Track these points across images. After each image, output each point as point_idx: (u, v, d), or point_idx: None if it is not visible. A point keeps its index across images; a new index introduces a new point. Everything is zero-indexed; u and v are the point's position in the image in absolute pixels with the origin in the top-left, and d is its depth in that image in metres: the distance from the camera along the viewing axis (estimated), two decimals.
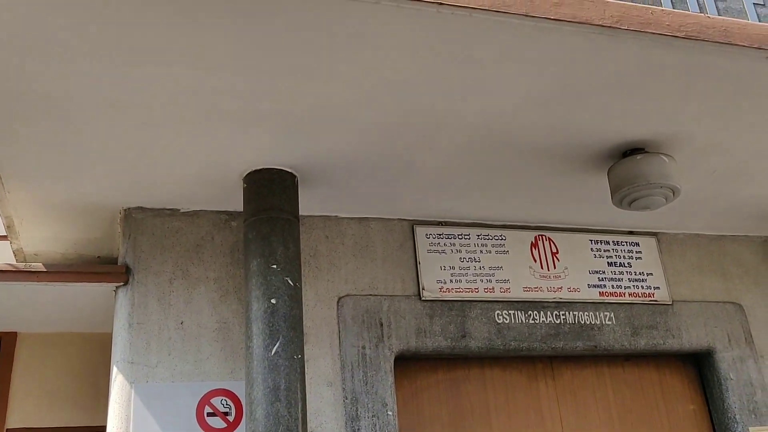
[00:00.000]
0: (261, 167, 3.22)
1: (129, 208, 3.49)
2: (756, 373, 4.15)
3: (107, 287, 3.39)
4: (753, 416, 4.02)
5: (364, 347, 3.51)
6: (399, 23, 2.41)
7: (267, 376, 2.87)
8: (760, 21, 2.99)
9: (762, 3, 3.04)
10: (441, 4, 2.34)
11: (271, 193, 3.19)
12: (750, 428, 3.97)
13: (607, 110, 3.03)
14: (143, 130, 2.84)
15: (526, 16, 2.42)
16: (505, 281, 3.88)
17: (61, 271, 3.38)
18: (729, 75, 2.85)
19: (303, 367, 2.98)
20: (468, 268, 3.85)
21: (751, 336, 4.25)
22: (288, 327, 2.98)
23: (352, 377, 3.43)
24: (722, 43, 2.66)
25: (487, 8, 2.38)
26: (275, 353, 2.91)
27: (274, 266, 3.05)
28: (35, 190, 3.26)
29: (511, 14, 2.41)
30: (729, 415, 4.01)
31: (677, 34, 2.60)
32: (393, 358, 3.54)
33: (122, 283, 3.34)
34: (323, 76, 2.63)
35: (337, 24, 2.37)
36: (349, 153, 3.18)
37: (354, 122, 2.93)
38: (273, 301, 2.99)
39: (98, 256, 3.91)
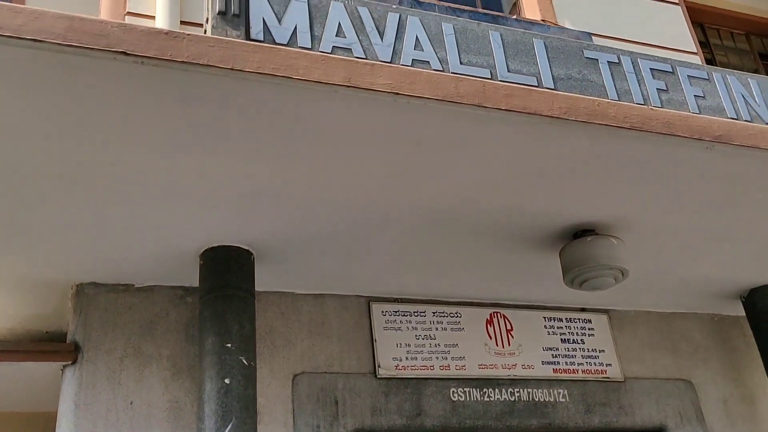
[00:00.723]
0: (218, 244, 3.23)
1: (81, 284, 3.44)
2: None
3: (54, 366, 3.31)
4: None
5: (318, 426, 3.46)
6: (356, 110, 2.49)
7: None
8: (700, 112, 3.14)
9: (702, 95, 3.20)
10: (397, 94, 2.43)
11: (227, 270, 3.19)
12: None
13: (559, 194, 3.13)
14: (99, 207, 2.84)
15: (479, 106, 2.52)
16: (461, 358, 3.90)
17: (5, 350, 3.29)
18: (673, 162, 2.98)
19: None
20: (424, 345, 3.86)
21: (702, 413, 4.30)
22: (241, 408, 2.93)
23: None
24: (665, 134, 2.79)
25: (441, 98, 2.48)
26: None
27: (229, 345, 3.03)
28: None
29: (464, 104, 2.51)
30: None
31: (623, 125, 2.72)
32: None
33: (70, 362, 3.26)
34: (280, 158, 2.68)
35: (295, 109, 2.44)
36: (306, 231, 3.21)
37: (311, 202, 2.98)
38: (227, 380, 2.96)
39: (47, 332, 3.81)
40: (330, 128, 2.57)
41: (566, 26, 5.11)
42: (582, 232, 3.40)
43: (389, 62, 2.63)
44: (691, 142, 2.84)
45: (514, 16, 5.16)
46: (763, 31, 8.01)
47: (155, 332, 3.43)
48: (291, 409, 3.47)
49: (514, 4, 5.37)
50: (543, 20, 5.08)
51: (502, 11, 5.43)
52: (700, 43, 7.44)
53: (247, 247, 3.27)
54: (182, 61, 2.15)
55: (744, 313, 4.43)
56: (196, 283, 3.35)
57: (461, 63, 2.75)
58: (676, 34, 5.63)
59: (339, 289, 3.83)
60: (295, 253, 3.40)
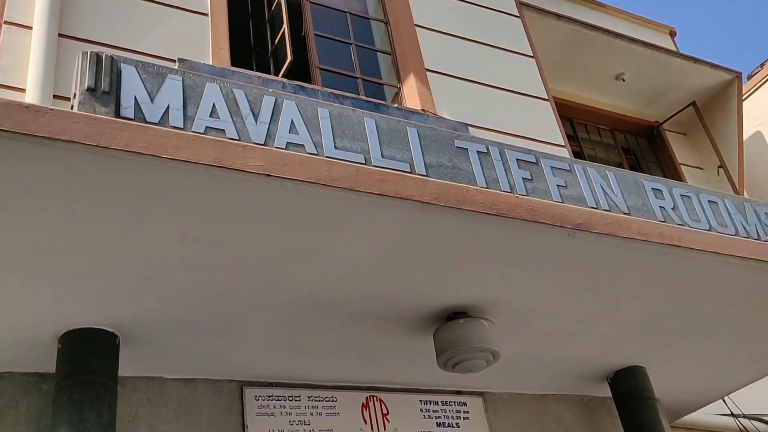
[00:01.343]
0: (79, 327, 3.06)
1: None
2: None
3: None
4: None
5: None
6: (228, 191, 2.47)
7: None
8: (562, 201, 3.32)
9: (564, 185, 3.39)
10: (269, 175, 2.43)
11: (88, 354, 3.02)
12: None
13: (431, 277, 3.19)
14: None
15: (352, 190, 2.56)
16: None
17: None
18: (538, 248, 3.12)
19: None
20: (297, 431, 3.75)
21: None
22: None
23: None
24: (529, 220, 2.92)
25: (314, 181, 2.50)
26: None
27: None
28: None
29: (337, 188, 2.54)
30: None
31: (489, 212, 2.83)
32: None
33: None
34: (149, 238, 2.60)
35: (165, 188, 2.39)
36: (176, 313, 3.10)
37: (182, 284, 2.90)
38: None
39: None
40: (202, 209, 2.54)
41: (444, 116, 5.33)
42: (455, 315, 3.46)
43: (263, 144, 2.65)
44: (554, 229, 2.98)
45: (396, 105, 5.34)
46: (626, 128, 8.67)
47: (3, 423, 3.16)
48: None
49: (396, 94, 5.57)
50: (423, 110, 5.28)
51: (384, 99, 5.62)
52: (570, 136, 7.96)
53: (111, 330, 3.11)
54: (43, 136, 2.08)
55: (610, 394, 4.59)
56: (52, 369, 3.13)
57: (336, 147, 2.81)
58: (546, 127, 5.97)
59: (211, 373, 3.69)
60: (165, 336, 3.27)
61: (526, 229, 2.96)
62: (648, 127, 8.71)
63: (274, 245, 2.79)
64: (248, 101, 2.70)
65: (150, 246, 2.66)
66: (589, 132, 8.37)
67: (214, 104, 2.60)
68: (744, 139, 8.50)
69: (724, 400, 5.99)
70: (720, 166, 8.17)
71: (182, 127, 2.49)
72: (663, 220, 3.55)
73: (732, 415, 6.17)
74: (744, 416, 6.27)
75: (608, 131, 8.54)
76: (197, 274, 2.89)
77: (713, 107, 8.58)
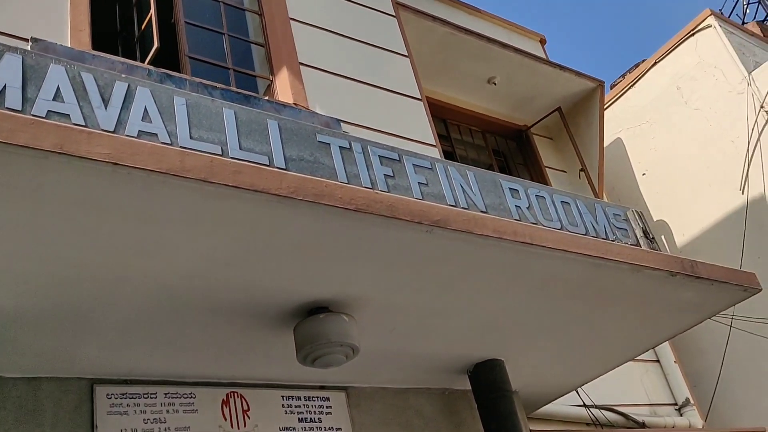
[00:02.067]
0: None
1: None
2: None
3: None
4: None
5: None
6: (73, 179, 2.36)
7: None
8: (423, 198, 3.39)
9: (426, 183, 3.46)
10: (117, 164, 2.34)
11: None
12: None
13: (291, 272, 3.17)
14: None
15: (205, 181, 2.50)
16: None
17: None
18: (398, 244, 3.16)
19: None
20: (152, 430, 3.63)
21: None
22: None
23: None
24: (388, 216, 2.96)
25: (164, 171, 2.43)
26: None
27: None
28: None
29: (189, 179, 2.48)
30: None
31: (348, 207, 2.85)
32: None
33: None
34: None
35: (3, 174, 2.25)
36: (16, 307, 2.92)
37: (20, 275, 2.73)
38: None
39: None
40: (45, 197, 2.41)
41: (317, 111, 5.32)
42: (317, 309, 3.46)
43: (112, 132, 2.54)
44: (413, 225, 3.04)
45: (267, 98, 5.28)
46: (496, 130, 8.98)
47: None
48: None
49: (269, 86, 5.51)
50: (295, 104, 5.25)
51: (257, 92, 5.54)
52: (443, 137, 8.15)
53: None
54: None
55: (470, 387, 4.73)
56: None
57: (191, 137, 2.73)
58: (419, 126, 6.08)
59: (58, 371, 3.50)
60: (3, 330, 3.07)
61: (385, 226, 2.99)
62: (517, 130, 9.05)
63: (125, 237, 2.69)
64: (98, 86, 2.58)
65: None
66: (462, 133, 8.61)
67: (58, 87, 2.47)
68: (605, 145, 9.00)
69: (577, 392, 6.33)
70: (582, 170, 8.61)
71: (20, 109, 2.35)
72: (518, 218, 3.70)
73: (585, 405, 6.53)
74: (596, 407, 6.65)
75: (480, 133, 8.81)
76: (43, 265, 2.74)
77: (577, 113, 9.04)
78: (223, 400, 3.96)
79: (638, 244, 4.11)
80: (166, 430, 3.68)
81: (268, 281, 3.19)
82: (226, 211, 2.69)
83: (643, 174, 9.97)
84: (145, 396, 3.72)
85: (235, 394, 4.02)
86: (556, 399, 5.71)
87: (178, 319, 3.33)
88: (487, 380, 4.59)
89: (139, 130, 2.62)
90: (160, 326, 3.36)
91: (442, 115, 8.23)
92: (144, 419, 3.65)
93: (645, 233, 4.14)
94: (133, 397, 3.68)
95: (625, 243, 4.01)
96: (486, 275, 3.60)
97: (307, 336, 3.38)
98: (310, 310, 3.48)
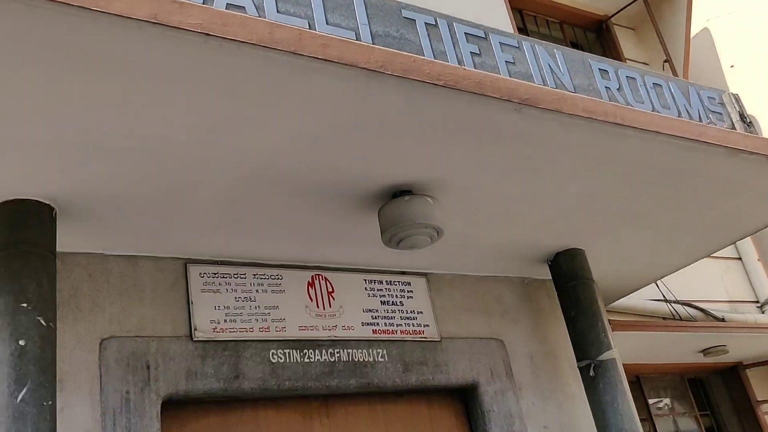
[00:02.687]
0: (13, 198, 2.96)
1: None
2: (515, 405, 4.45)
3: None
4: None
5: (128, 392, 3.29)
6: (164, 51, 2.37)
7: (11, 426, 2.60)
8: (510, 77, 3.29)
9: (513, 62, 3.36)
10: (208, 35, 2.33)
11: (24, 226, 2.94)
12: None
13: (376, 152, 3.16)
14: None
15: (295, 53, 2.48)
16: (281, 320, 3.86)
17: None
18: (485, 123, 3.10)
19: (54, 414, 2.73)
20: (243, 307, 3.78)
21: (512, 370, 4.56)
22: (38, 371, 2.73)
23: (114, 425, 3.20)
24: (477, 93, 2.89)
25: (255, 42, 2.41)
26: (22, 400, 2.64)
27: (25, 305, 2.80)
28: None
29: (279, 50, 2.45)
30: None
31: (436, 83, 2.79)
32: (160, 403, 3.36)
33: None
34: (83, 101, 2.49)
35: (97, 44, 2.27)
36: (116, 186, 3.02)
37: (118, 153, 2.80)
38: (21, 342, 2.73)
39: None
40: (137, 69, 2.43)
41: None
42: (400, 192, 3.47)
43: (202, 3, 2.52)
44: (501, 103, 2.96)
45: None
46: (575, 21, 8.60)
47: None
48: (98, 375, 3.28)
49: None
50: None
51: None
52: (519, 29, 7.86)
53: (47, 202, 3.03)
54: None
55: (549, 277, 4.74)
56: None
57: (278, 11, 2.70)
58: (496, 16, 5.89)
59: (154, 250, 3.66)
60: (105, 210, 3.20)
61: (472, 103, 2.93)
62: (597, 20, 8.65)
63: (215, 112, 2.71)
64: None
65: (85, 111, 2.55)
66: (539, 24, 8.28)
67: None
68: (691, 36, 8.53)
69: (657, 285, 6.27)
70: (666, 61, 8.22)
71: None
72: (608, 100, 3.57)
73: (664, 300, 6.47)
74: (675, 301, 6.58)
75: (557, 24, 8.46)
76: (136, 144, 2.80)
77: (662, 2, 8.55)
78: (308, 282, 4.08)
79: (734, 128, 3.93)
80: (256, 308, 3.83)
81: (353, 163, 3.20)
82: (313, 86, 2.67)
83: (731, 66, 9.46)
84: (235, 276, 3.86)
85: (320, 277, 4.13)
86: (634, 291, 5.68)
87: (264, 202, 3.39)
88: (568, 269, 4.58)
89: (227, 3, 2.59)
90: (249, 209, 3.43)
91: (519, 5, 7.91)
92: (235, 297, 3.80)
93: (741, 117, 3.96)
94: (224, 277, 3.82)
95: (720, 127, 3.84)
96: (573, 159, 3.52)
97: (391, 218, 3.41)
98: (393, 193, 3.48)
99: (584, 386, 4.34)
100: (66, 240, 3.27)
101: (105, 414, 3.21)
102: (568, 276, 4.55)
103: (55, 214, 3.07)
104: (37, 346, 2.76)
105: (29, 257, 2.89)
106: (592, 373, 4.24)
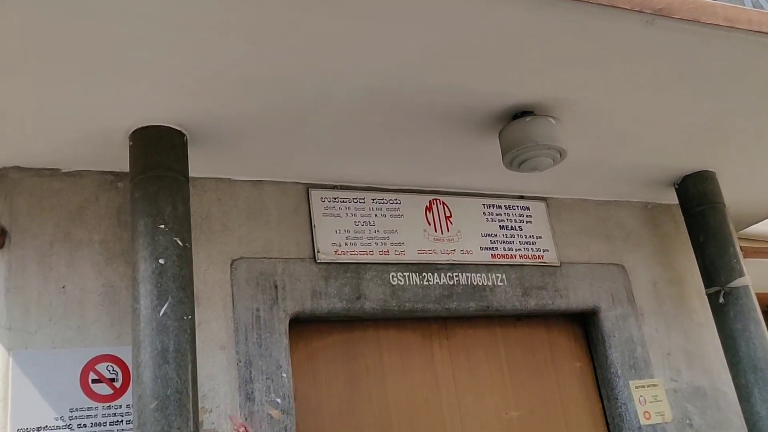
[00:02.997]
0: (148, 124, 3.10)
1: (5, 168, 3.28)
2: (636, 331, 4.37)
3: None
4: (633, 371, 4.24)
5: (258, 309, 3.46)
6: None
7: (155, 338, 2.79)
8: None
9: None
10: None
11: (158, 151, 3.08)
12: (630, 382, 4.19)
13: (497, 73, 3.08)
14: (17, 81, 2.67)
15: None
16: (400, 244, 3.92)
17: None
18: (612, 39, 2.94)
19: (193, 328, 2.90)
20: (363, 231, 3.86)
21: (633, 295, 4.46)
22: (177, 287, 2.89)
23: (246, 340, 3.38)
24: (605, 5, 2.74)
25: None
26: (164, 314, 2.82)
27: (162, 226, 2.95)
28: None
29: None
30: (612, 371, 4.21)
31: None
32: (288, 321, 3.51)
33: None
34: (210, 29, 2.54)
35: None
36: (241, 110, 3.10)
37: (244, 79, 2.86)
38: (161, 261, 2.90)
39: None
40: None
41: None
42: (522, 113, 3.38)
43: None
44: (632, 15, 2.79)
45: None
46: None
47: (85, 218, 3.33)
48: (230, 293, 3.45)
49: None
50: None
51: None
52: None
53: (179, 128, 3.15)
54: None
55: (675, 201, 4.54)
56: (125, 168, 3.22)
57: None
58: None
59: (277, 175, 3.77)
60: (231, 136, 3.30)
61: (600, 15, 2.78)
62: None
63: (332, 35, 2.68)
64: None
65: (210, 40, 2.60)
66: None
67: None
68: None
69: None
70: None
71: None
72: (752, 6, 3.29)
73: None
74: None
75: None
76: (258, 70, 2.84)
77: None
78: (426, 206, 4.09)
79: None
80: (375, 231, 3.89)
81: (474, 83, 3.13)
82: (434, 6, 2.60)
83: None
84: (355, 200, 3.93)
85: (438, 201, 4.14)
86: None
87: (383, 126, 3.39)
88: (697, 192, 4.37)
89: None
90: (367, 133, 3.45)
91: None
92: (355, 221, 3.87)
93: None
94: (344, 201, 3.89)
95: None
96: (707, 74, 3.30)
97: (513, 139, 3.33)
98: (515, 114, 3.40)
99: (713, 314, 4.19)
100: (196, 165, 3.40)
101: (237, 329, 3.39)
102: (697, 200, 4.35)
103: (186, 140, 3.20)
104: (176, 264, 2.92)
105: (165, 181, 3.03)
106: (721, 300, 4.08)
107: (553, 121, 3.35)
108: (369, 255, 3.81)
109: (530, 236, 4.30)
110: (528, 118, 3.33)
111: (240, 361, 3.33)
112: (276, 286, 3.54)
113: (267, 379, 3.34)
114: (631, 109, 3.53)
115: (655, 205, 4.83)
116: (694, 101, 3.53)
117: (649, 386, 4.23)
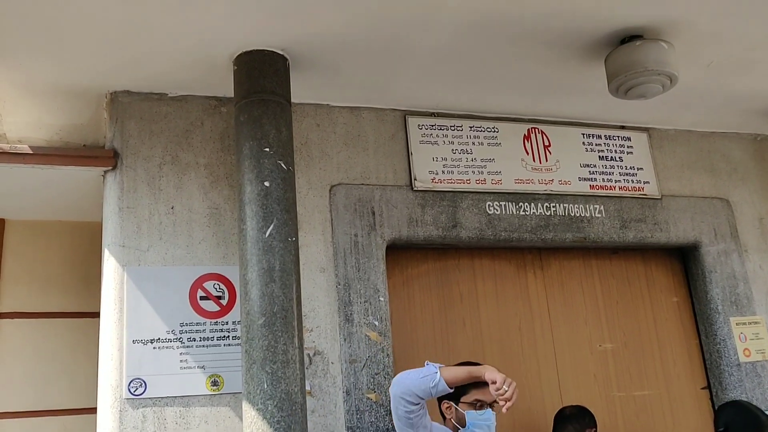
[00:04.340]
0: (252, 48, 3.12)
1: (115, 92, 3.39)
2: (740, 267, 4.23)
3: (95, 172, 3.34)
4: (734, 307, 4.12)
5: (356, 235, 3.51)
6: None
7: (261, 258, 2.87)
8: None
9: None
10: None
11: (262, 75, 3.11)
12: (730, 318, 4.08)
13: None
14: (128, 5, 2.72)
15: None
16: (497, 173, 3.87)
17: (48, 153, 3.31)
18: None
19: (297, 249, 2.97)
20: (460, 159, 3.83)
21: (737, 231, 4.31)
22: (282, 210, 2.95)
23: (345, 264, 3.45)
24: None
25: None
26: (269, 235, 2.90)
27: (267, 149, 3.00)
28: (16, 70, 3.14)
29: None
30: (711, 306, 4.11)
31: None
32: (385, 246, 3.55)
33: (110, 168, 3.29)
34: None
35: None
36: (342, 34, 3.08)
37: (351, 1, 2.83)
38: (266, 183, 2.96)
39: (84, 145, 3.83)
40: None
41: None
42: (630, 38, 3.24)
43: None
44: None
45: None
46: None
47: (191, 141, 3.42)
48: (329, 218, 3.51)
49: None
50: None
51: None
52: None
53: (281, 52, 3.16)
54: None
55: None
56: (229, 94, 3.28)
57: None
58: None
59: (375, 102, 3.76)
60: (332, 61, 3.29)
61: None
62: None
63: None
64: None
65: None
66: None
67: None
68: None
69: None
70: None
71: None
72: None
73: None
74: None
75: None
76: None
77: None
78: (524, 135, 4.02)
79: None
80: (472, 160, 3.85)
81: (580, 6, 3.00)
82: None
83: None
84: (452, 128, 3.89)
85: (536, 130, 4.05)
86: None
87: (484, 51, 3.31)
88: None
89: None
90: (467, 58, 3.37)
91: None
92: (452, 149, 3.84)
93: None
94: (441, 129, 3.86)
95: None
96: None
97: (621, 64, 3.20)
98: (622, 38, 3.26)
99: None
100: (296, 91, 3.41)
101: (336, 253, 3.46)
102: None
103: (288, 64, 3.21)
104: (280, 187, 2.98)
105: (268, 105, 3.06)
106: None
107: (665, 45, 3.20)
108: (466, 183, 3.79)
109: (630, 167, 4.17)
110: (638, 42, 3.19)
111: (339, 284, 3.41)
112: (373, 213, 3.57)
113: (365, 302, 3.41)
114: (749, 33, 3.33)
115: (765, 137, 4.60)
116: None
117: (750, 323, 4.11)
